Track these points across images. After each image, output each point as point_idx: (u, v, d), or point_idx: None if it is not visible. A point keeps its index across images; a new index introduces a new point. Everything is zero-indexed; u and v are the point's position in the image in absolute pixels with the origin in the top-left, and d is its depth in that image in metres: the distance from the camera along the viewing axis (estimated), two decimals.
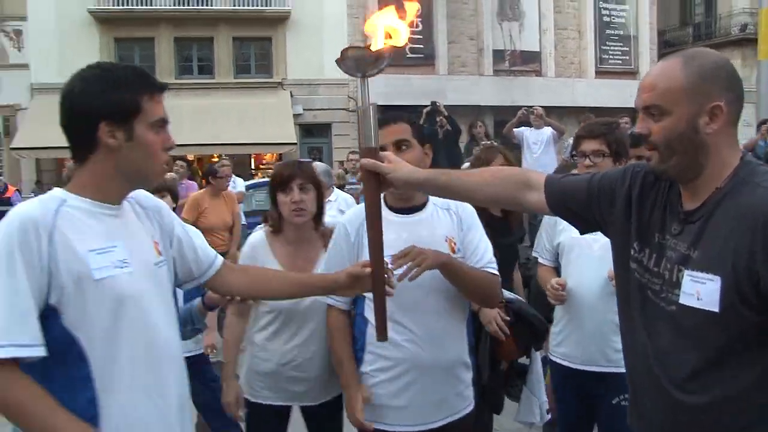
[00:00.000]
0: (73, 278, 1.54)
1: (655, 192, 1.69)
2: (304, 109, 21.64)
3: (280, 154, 21.22)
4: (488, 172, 2.01)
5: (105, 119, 1.62)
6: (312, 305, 2.66)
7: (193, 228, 2.05)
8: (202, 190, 7.26)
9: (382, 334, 2.00)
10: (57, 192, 1.66)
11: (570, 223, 1.94)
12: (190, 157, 15.65)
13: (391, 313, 2.18)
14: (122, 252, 1.63)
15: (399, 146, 2.34)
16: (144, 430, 1.64)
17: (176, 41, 21.77)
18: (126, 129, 1.64)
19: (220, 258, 2.02)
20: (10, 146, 20.14)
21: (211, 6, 21.45)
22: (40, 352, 1.49)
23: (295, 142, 20.47)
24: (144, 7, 21.21)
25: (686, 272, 1.55)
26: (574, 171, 3.72)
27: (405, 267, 2.12)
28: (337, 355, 2.49)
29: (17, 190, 10.75)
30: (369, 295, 2.30)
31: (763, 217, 1.43)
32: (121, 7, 21.12)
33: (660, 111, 1.56)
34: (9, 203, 9.74)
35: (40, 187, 17.73)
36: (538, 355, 3.13)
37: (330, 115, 22.01)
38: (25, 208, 1.58)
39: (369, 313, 2.33)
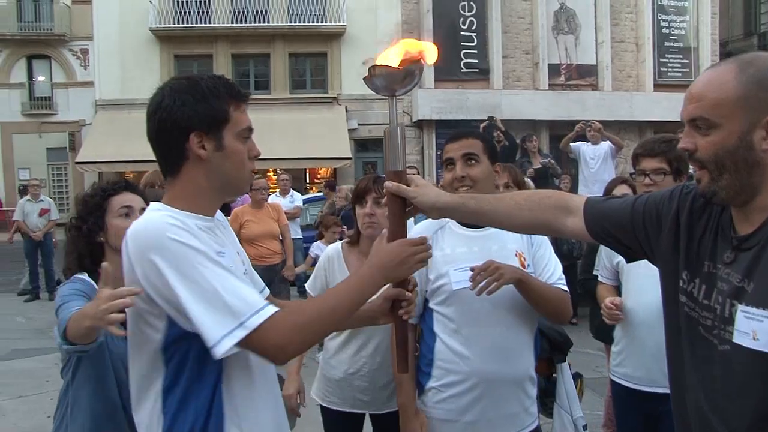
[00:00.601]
0: None
1: (707, 216, 1.51)
2: (359, 124, 21.85)
3: (335, 169, 21.42)
4: (521, 195, 1.78)
5: (195, 130, 1.59)
6: None
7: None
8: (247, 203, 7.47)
9: (401, 365, 1.85)
10: (157, 206, 1.63)
11: (613, 250, 1.74)
12: None
13: (459, 327, 2.23)
14: (229, 260, 1.61)
15: (467, 159, 2.34)
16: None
17: (233, 57, 22.29)
18: (215, 139, 1.61)
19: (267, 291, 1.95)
20: (75, 161, 20.83)
21: (268, 23, 21.87)
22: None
23: (350, 156, 20.66)
24: (203, 25, 21.78)
25: (740, 307, 1.36)
26: (624, 192, 3.65)
27: (484, 281, 2.11)
28: (397, 372, 2.47)
29: None
30: (438, 307, 2.34)
31: None
32: (180, 26, 21.74)
33: (708, 124, 1.38)
34: None
35: None
36: (567, 369, 3.05)
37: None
38: (159, 223, 1.54)
39: (438, 327, 2.33)
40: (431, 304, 2.37)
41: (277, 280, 6.47)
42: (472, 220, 1.91)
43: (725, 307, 1.40)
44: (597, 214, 1.65)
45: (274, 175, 17.16)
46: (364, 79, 1.71)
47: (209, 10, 22.02)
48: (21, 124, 22.04)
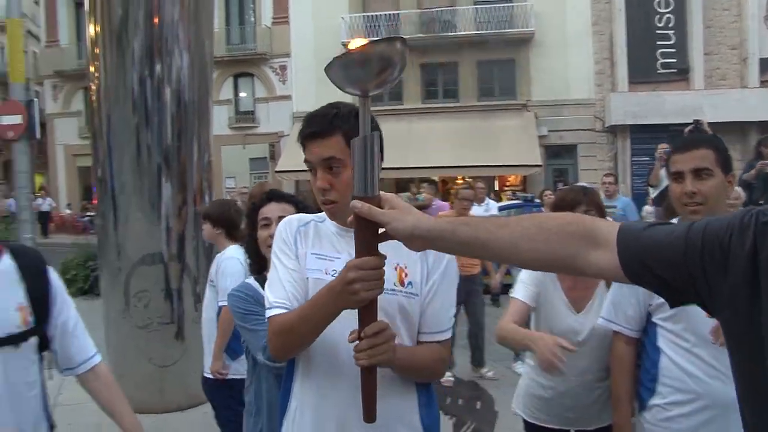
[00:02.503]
0: None
1: None
2: (549, 131, 21.44)
3: (525, 177, 21.17)
4: (533, 220, 1.30)
5: None
6: (593, 332, 2.60)
7: None
8: (448, 211, 7.53)
9: (368, 415, 1.47)
10: None
11: (656, 293, 1.26)
12: (435, 178, 16.13)
13: (691, 346, 2.12)
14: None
15: (699, 174, 2.11)
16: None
17: (422, 67, 22.69)
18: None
19: None
20: (275, 170, 22.30)
21: (455, 32, 22.05)
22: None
23: (540, 164, 20.32)
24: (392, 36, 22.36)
25: None
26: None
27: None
28: (615, 390, 2.38)
29: None
30: (664, 323, 2.22)
31: None
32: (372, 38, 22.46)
33: None
34: None
35: None
36: None
37: (576, 136, 21.56)
38: None
39: (663, 342, 2.22)
40: (655, 318, 2.26)
41: (476, 290, 6.38)
42: (464, 252, 1.38)
43: None
44: (636, 248, 1.19)
45: (464, 183, 17.26)
46: (325, 69, 1.28)
47: (397, 23, 22.64)
48: (228, 137, 23.91)
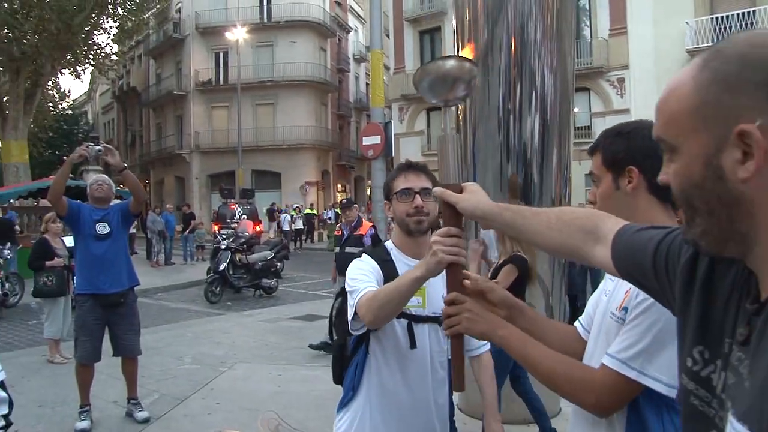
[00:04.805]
0: None
1: (738, 268, 0.98)
2: None
3: None
4: (558, 212, 1.43)
5: None
6: None
7: None
8: None
9: (456, 384, 1.68)
10: None
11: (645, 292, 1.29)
12: None
13: None
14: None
15: None
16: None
17: None
18: None
19: None
20: None
21: None
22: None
23: None
24: None
25: (729, 415, 0.87)
26: None
27: None
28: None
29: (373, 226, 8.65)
30: None
31: None
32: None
33: (669, 148, 0.95)
34: (360, 242, 7.66)
35: None
36: None
37: None
38: None
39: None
40: None
41: None
42: (508, 232, 1.70)
43: (726, 413, 0.91)
44: (624, 249, 1.24)
45: None
46: (413, 83, 1.63)
47: (753, 22, 20.24)
48: None
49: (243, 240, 13.96)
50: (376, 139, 11.64)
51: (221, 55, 37.87)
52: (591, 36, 24.27)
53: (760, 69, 0.82)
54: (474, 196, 1.53)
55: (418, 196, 2.30)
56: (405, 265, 2.31)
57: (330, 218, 29.66)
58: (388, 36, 31.42)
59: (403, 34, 31.54)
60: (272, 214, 28.31)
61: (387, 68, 30.91)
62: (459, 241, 1.60)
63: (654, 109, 0.98)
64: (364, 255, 2.41)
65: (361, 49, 45.54)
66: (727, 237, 0.91)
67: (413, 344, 2.29)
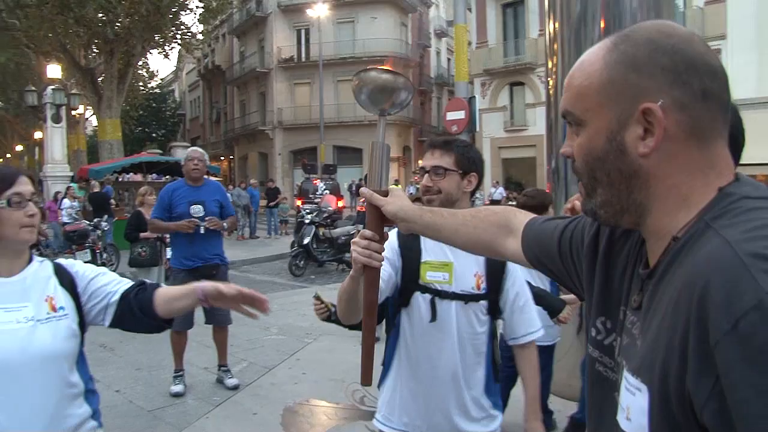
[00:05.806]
0: None
1: (631, 241, 1.09)
2: None
3: None
4: (471, 211, 1.53)
5: None
6: None
7: None
8: None
9: (365, 378, 1.70)
10: None
11: (554, 279, 1.42)
12: None
13: None
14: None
15: None
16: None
17: None
18: None
19: None
20: None
21: None
22: None
23: None
24: None
25: (624, 373, 0.96)
26: None
27: None
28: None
29: None
30: None
31: (700, 290, 0.80)
32: None
33: (576, 121, 1.01)
34: None
35: None
36: None
37: None
38: None
39: None
40: None
41: None
42: (428, 234, 1.61)
43: (620, 372, 1.00)
44: (533, 237, 1.36)
45: None
46: (353, 91, 1.65)
47: None
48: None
49: (326, 215, 14.14)
50: (461, 114, 11.49)
51: (303, 32, 38.24)
52: (684, 5, 23.07)
53: (667, 54, 0.90)
54: (398, 200, 1.60)
55: (427, 175, 2.35)
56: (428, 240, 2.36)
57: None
58: (470, 10, 30.89)
59: (486, 7, 30.93)
60: (356, 189, 28.56)
61: (469, 43, 30.42)
62: (372, 244, 1.60)
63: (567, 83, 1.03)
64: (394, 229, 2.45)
65: (442, 24, 44.99)
66: (624, 208, 0.99)
67: (434, 317, 2.32)
